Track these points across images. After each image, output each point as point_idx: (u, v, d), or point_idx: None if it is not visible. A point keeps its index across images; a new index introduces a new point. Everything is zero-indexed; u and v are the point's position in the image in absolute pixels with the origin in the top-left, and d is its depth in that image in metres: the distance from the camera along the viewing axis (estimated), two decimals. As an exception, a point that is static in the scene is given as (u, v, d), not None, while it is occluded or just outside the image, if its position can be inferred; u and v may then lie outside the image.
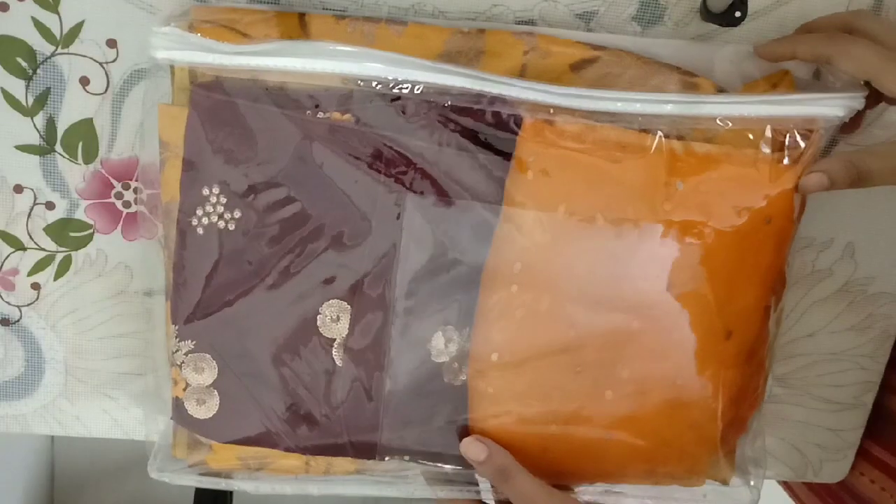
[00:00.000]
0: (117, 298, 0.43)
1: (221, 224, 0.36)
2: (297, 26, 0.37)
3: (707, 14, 0.38)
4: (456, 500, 0.40)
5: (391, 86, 0.34)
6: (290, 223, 0.36)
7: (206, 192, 0.36)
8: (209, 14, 0.36)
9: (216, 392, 0.38)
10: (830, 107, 0.35)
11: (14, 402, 0.44)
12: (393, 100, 0.35)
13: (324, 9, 0.38)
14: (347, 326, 0.37)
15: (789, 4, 0.39)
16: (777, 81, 0.38)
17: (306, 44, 0.34)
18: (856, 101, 0.35)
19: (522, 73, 0.37)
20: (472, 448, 0.37)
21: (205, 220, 0.36)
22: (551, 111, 0.35)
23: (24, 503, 1.00)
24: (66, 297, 0.42)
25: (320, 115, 0.35)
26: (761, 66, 0.38)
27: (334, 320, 0.37)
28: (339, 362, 0.37)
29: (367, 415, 0.38)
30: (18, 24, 0.37)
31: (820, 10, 0.39)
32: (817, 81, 0.38)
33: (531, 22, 0.39)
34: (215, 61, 0.33)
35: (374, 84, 0.34)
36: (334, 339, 0.37)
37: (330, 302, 0.37)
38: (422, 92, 0.34)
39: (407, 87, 0.34)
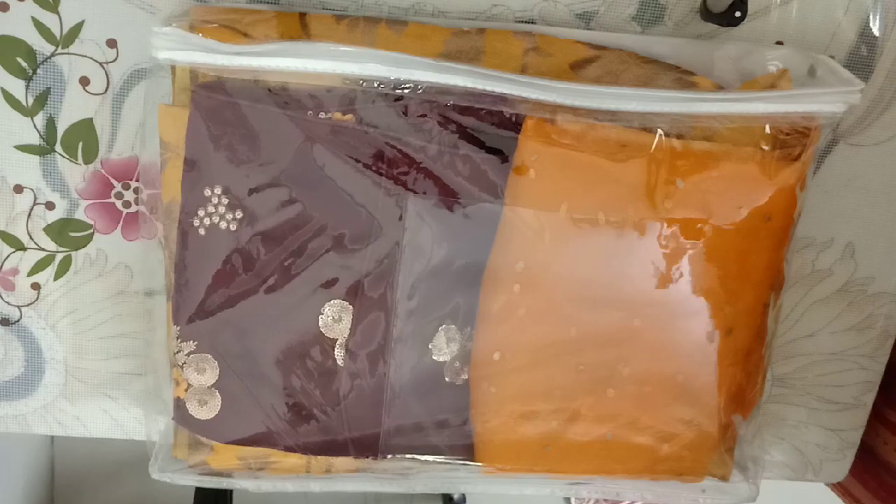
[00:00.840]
0: (117, 298, 0.43)
1: (223, 225, 0.36)
2: (298, 26, 0.36)
3: (707, 14, 0.38)
4: None
5: (393, 86, 0.34)
6: (291, 224, 0.36)
7: (207, 192, 0.36)
8: (209, 14, 0.36)
9: (218, 393, 0.38)
10: (829, 103, 0.35)
11: (14, 402, 0.44)
12: (395, 100, 0.35)
13: (324, 9, 0.38)
14: (349, 327, 0.37)
15: (789, 4, 0.39)
16: (775, 79, 0.38)
17: (308, 44, 0.33)
18: (853, 95, 0.35)
19: (523, 73, 0.37)
20: None
21: (207, 221, 0.36)
22: (553, 110, 0.35)
23: (24, 503, 1.00)
24: (66, 297, 0.42)
25: (322, 115, 0.35)
26: (760, 65, 0.39)
27: (336, 321, 0.37)
28: (340, 362, 0.37)
29: (369, 414, 0.38)
30: (18, 24, 0.37)
31: (820, 10, 0.39)
32: (812, 78, 0.38)
33: (531, 21, 0.39)
34: (217, 62, 0.33)
35: (376, 84, 0.34)
36: (336, 340, 0.37)
37: (331, 302, 0.37)
38: (424, 91, 0.34)
39: (409, 87, 0.34)
